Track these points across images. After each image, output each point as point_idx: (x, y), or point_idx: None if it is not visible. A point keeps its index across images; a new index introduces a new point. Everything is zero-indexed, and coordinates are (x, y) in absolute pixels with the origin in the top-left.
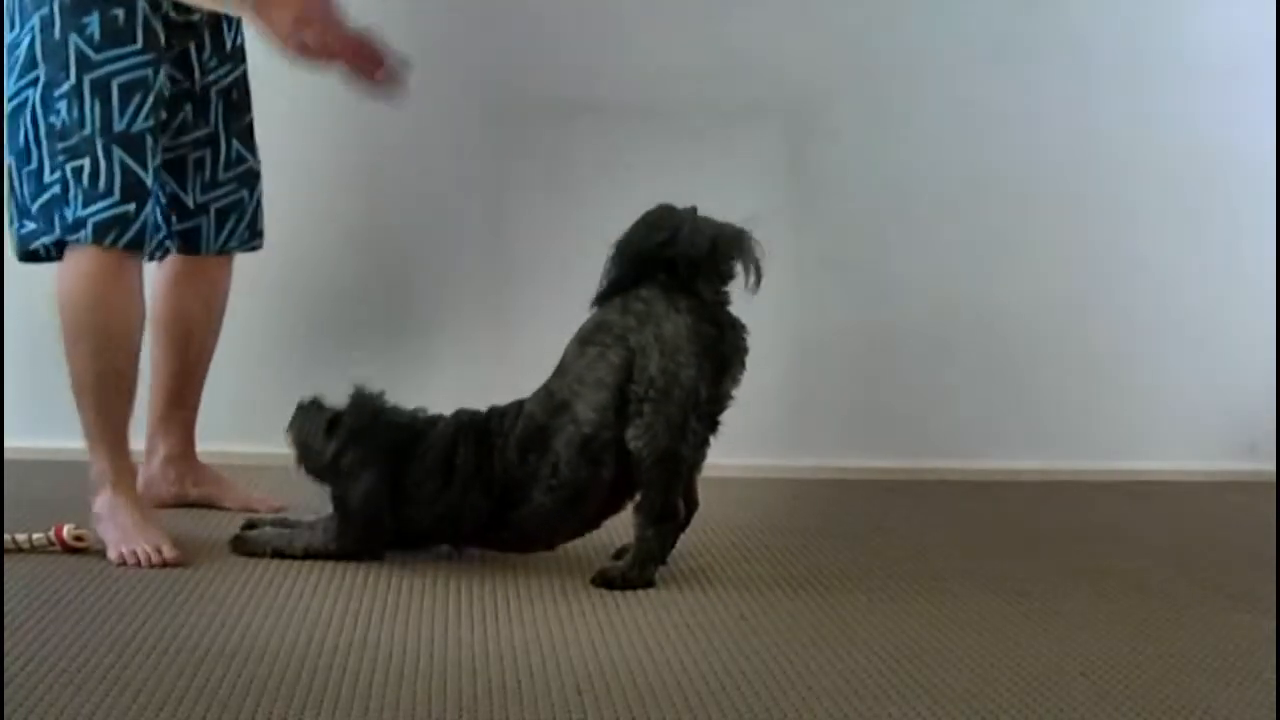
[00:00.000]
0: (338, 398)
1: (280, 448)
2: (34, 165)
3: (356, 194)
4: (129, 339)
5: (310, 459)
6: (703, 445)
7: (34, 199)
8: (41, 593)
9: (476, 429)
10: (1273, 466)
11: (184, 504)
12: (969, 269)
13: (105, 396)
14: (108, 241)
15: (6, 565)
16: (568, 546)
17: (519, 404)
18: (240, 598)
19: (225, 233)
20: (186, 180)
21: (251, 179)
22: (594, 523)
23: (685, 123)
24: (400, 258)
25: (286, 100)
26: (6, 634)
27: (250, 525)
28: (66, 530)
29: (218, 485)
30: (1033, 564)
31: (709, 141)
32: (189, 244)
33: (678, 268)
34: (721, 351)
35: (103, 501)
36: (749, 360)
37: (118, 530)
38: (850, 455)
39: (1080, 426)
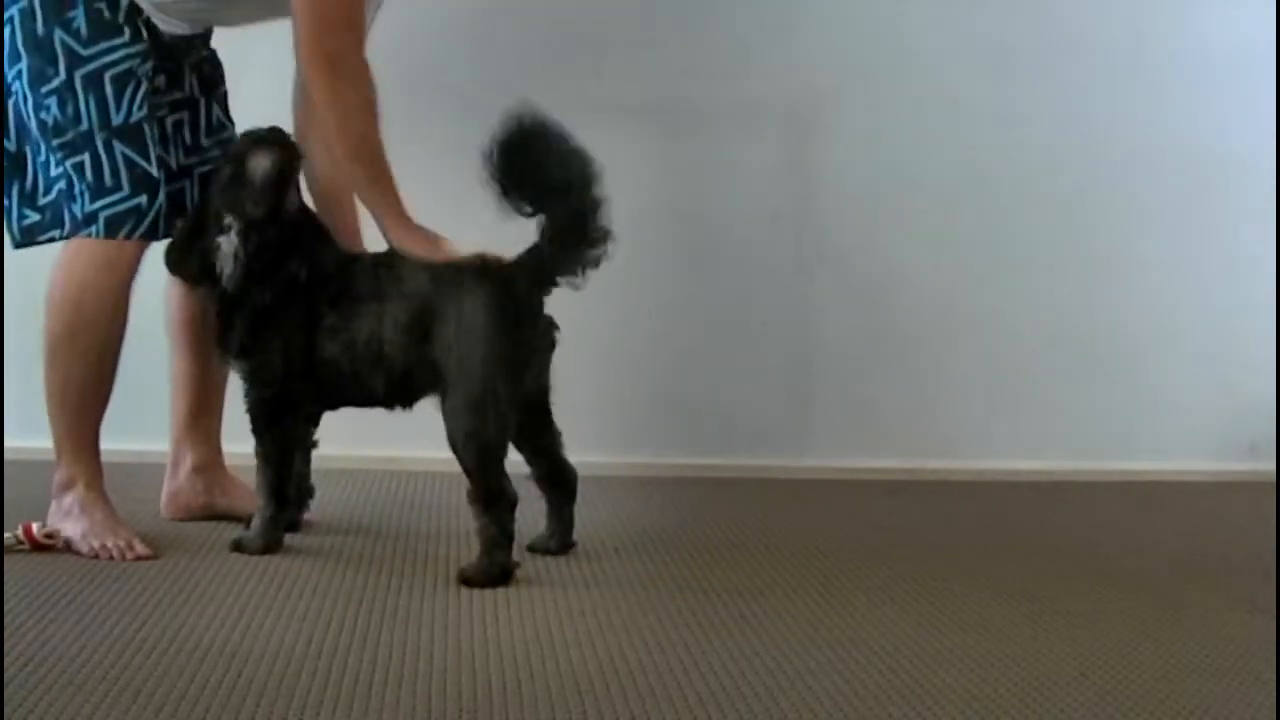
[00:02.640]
0: None
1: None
2: (44, 158)
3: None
4: (119, 345)
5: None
6: (542, 431)
7: (44, 193)
8: (41, 593)
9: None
10: (1273, 466)
11: (211, 515)
12: (969, 269)
13: (88, 402)
14: (122, 234)
15: (6, 565)
16: (572, 548)
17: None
18: (240, 598)
19: None
20: (168, 142)
21: None
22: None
23: (685, 123)
24: None
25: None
26: (6, 634)
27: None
28: (36, 528)
29: (247, 498)
30: (1033, 564)
31: (709, 141)
32: (175, 208)
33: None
34: (519, 344)
35: (71, 500)
36: (750, 359)
37: (88, 524)
38: (850, 455)
39: (1080, 426)
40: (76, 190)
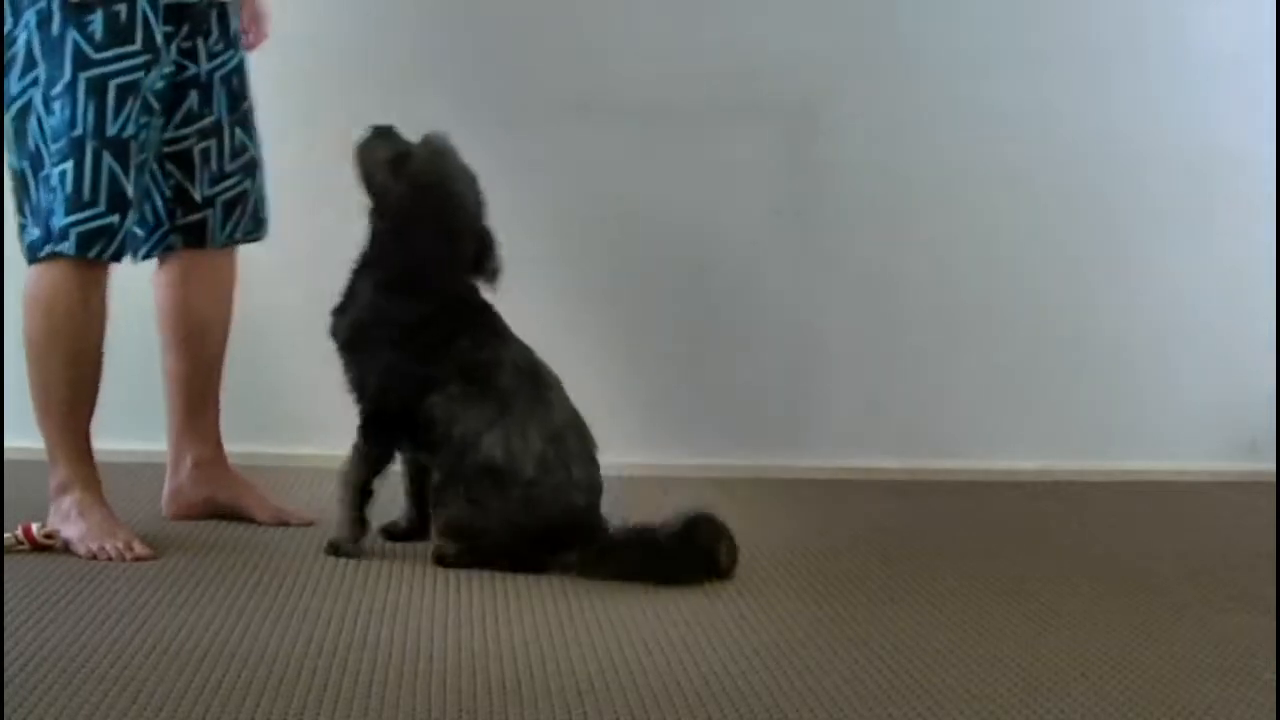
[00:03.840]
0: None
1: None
2: (45, 170)
3: (362, 192)
4: (100, 345)
5: (376, 192)
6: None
7: (42, 205)
8: (41, 593)
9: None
10: (1273, 466)
11: (213, 512)
12: (969, 268)
13: (75, 405)
14: (92, 254)
15: (6, 565)
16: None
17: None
18: (240, 598)
19: (231, 224)
20: (194, 173)
21: (253, 168)
22: None
23: (685, 123)
24: None
25: (292, 96)
26: (6, 634)
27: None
28: (36, 528)
29: (249, 494)
30: (1033, 564)
31: (709, 141)
32: (195, 238)
33: None
34: None
35: (69, 503)
36: (750, 359)
37: (86, 527)
38: (850, 455)
39: (1080, 426)
40: (57, 201)
